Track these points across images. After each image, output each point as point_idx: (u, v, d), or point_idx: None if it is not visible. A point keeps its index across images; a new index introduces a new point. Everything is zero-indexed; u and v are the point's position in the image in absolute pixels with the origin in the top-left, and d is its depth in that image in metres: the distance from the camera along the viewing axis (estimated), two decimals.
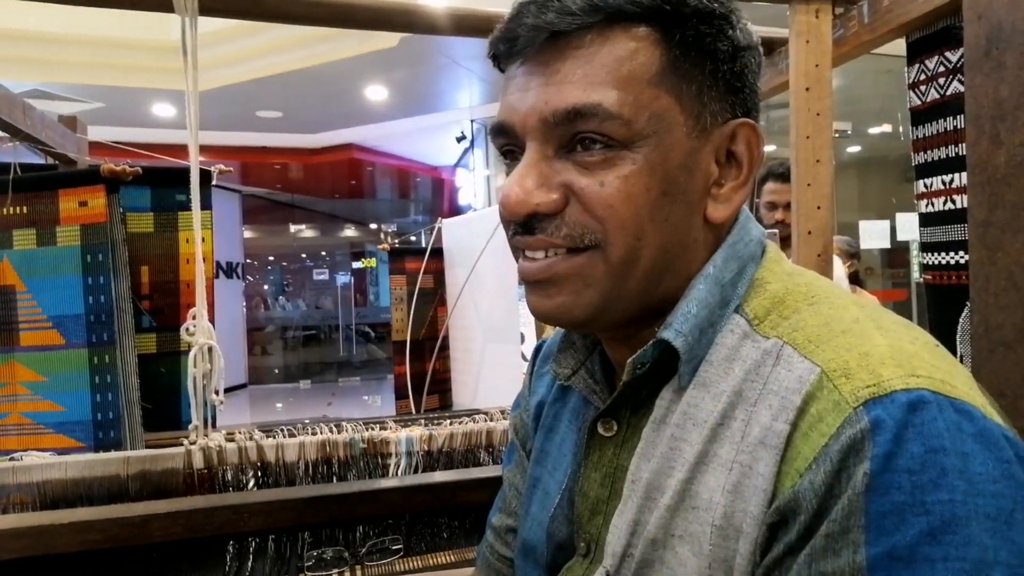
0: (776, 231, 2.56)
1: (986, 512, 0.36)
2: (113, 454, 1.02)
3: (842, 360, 0.43)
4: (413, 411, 2.50)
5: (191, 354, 1.08)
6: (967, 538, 0.36)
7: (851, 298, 0.50)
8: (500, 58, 0.53)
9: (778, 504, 0.41)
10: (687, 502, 0.46)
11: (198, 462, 1.03)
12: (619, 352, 0.56)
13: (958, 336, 1.04)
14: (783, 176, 2.43)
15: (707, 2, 0.49)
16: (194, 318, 1.09)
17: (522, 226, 0.51)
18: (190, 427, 1.06)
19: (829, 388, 0.42)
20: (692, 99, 0.49)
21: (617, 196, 0.48)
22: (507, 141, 0.52)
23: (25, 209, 1.27)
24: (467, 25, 1.13)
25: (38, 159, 1.65)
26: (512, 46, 0.50)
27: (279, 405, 8.16)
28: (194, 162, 1.07)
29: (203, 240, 1.13)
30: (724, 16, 0.50)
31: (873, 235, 4.79)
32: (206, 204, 1.28)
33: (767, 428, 0.43)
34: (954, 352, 1.04)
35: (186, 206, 1.37)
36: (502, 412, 1.23)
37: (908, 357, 0.42)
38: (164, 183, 1.38)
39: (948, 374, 0.42)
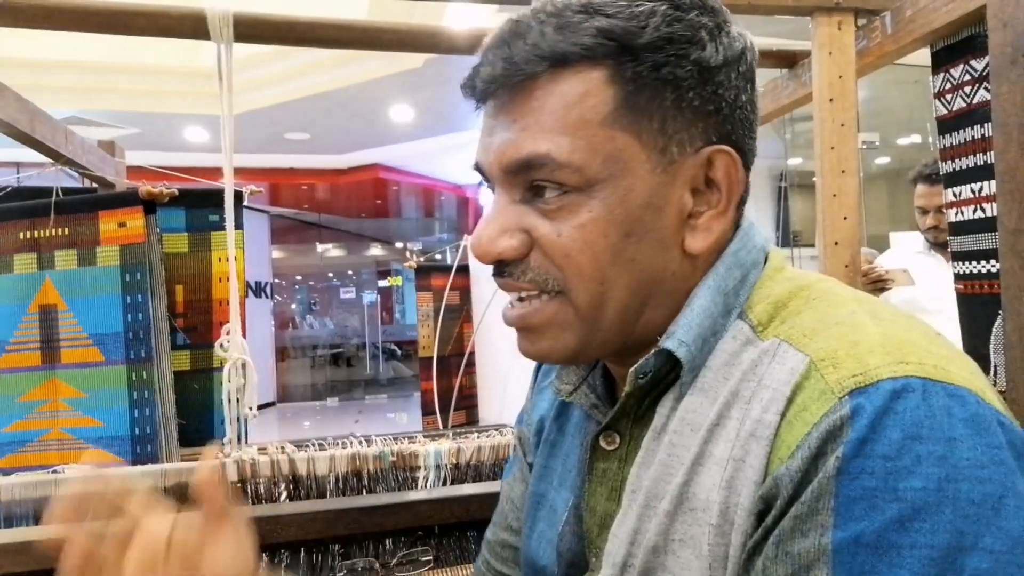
0: (929, 237, 2.24)
1: (969, 498, 0.36)
2: (151, 467, 1.05)
3: (831, 349, 0.43)
4: (440, 427, 2.51)
5: (225, 369, 1.11)
6: (937, 525, 0.35)
7: (852, 293, 0.50)
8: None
9: (761, 492, 0.42)
10: (685, 505, 0.46)
11: (232, 475, 1.05)
12: (620, 366, 0.56)
13: (991, 346, 1.03)
14: (930, 178, 2.17)
15: (664, 28, 0.46)
16: (228, 334, 1.12)
17: (494, 268, 0.52)
18: (224, 439, 1.09)
19: (816, 377, 0.42)
20: (654, 134, 0.48)
21: (573, 245, 0.48)
22: (484, 178, 0.54)
23: (67, 231, 1.31)
24: None
25: (77, 183, 1.71)
26: (472, 94, 0.52)
27: (307, 424, 8.24)
28: (229, 182, 1.10)
29: (235, 258, 1.16)
30: (687, 39, 0.47)
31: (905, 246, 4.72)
32: (238, 224, 1.31)
33: (758, 420, 0.43)
34: (988, 362, 1.02)
35: (219, 226, 1.40)
36: None
37: (900, 344, 0.42)
38: (198, 204, 1.41)
39: (943, 359, 0.41)
